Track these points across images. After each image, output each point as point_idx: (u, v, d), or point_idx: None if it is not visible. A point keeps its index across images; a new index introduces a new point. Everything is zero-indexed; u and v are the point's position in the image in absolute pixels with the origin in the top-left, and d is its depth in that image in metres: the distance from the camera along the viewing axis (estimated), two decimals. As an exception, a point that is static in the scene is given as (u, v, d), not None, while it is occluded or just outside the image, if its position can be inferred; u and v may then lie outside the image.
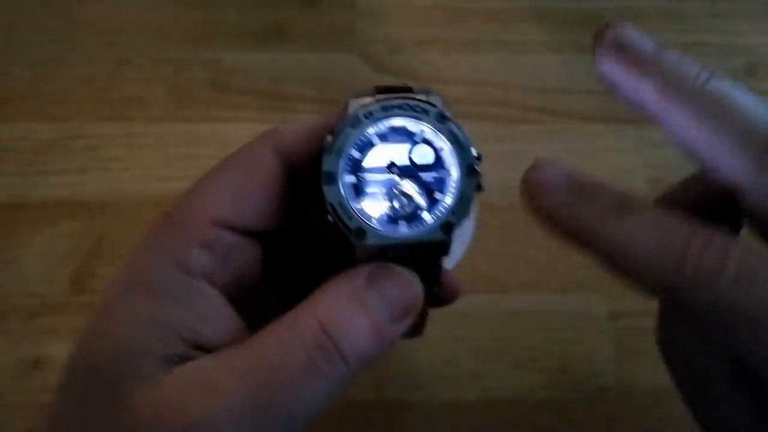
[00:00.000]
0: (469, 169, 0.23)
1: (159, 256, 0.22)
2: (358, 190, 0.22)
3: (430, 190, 0.23)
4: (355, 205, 0.22)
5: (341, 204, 0.22)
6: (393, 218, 0.22)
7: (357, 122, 0.22)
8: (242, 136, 0.43)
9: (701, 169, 0.22)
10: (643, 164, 0.44)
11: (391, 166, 0.23)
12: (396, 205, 0.22)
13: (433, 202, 0.23)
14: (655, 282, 0.20)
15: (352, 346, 0.20)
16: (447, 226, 0.22)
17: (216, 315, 0.22)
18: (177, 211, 0.24)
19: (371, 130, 0.23)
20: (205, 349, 0.21)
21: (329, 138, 0.22)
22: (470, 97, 0.45)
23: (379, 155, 0.23)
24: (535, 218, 0.23)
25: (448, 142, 0.23)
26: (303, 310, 0.21)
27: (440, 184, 0.23)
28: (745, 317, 0.18)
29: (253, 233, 0.24)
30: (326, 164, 0.22)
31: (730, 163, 0.20)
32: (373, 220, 0.22)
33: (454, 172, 0.23)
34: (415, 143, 0.23)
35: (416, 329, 0.25)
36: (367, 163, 0.23)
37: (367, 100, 0.23)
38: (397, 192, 0.23)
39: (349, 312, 0.21)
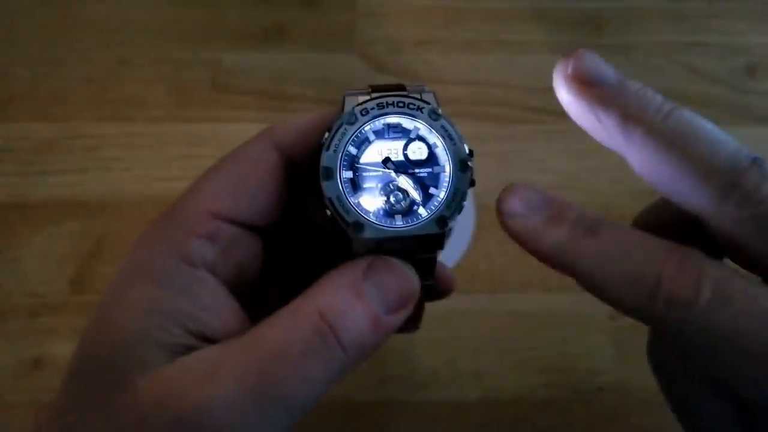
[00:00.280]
0: (462, 165, 0.23)
1: (162, 247, 0.23)
2: (355, 185, 0.23)
3: (424, 186, 0.23)
4: (352, 200, 0.23)
5: (339, 198, 0.23)
6: (389, 213, 0.23)
7: (353, 119, 0.23)
8: (242, 136, 0.43)
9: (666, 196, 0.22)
10: (643, 164, 0.44)
11: (387, 162, 0.24)
12: (392, 199, 0.23)
13: (427, 197, 0.23)
14: (630, 306, 0.20)
15: (350, 334, 0.21)
16: (441, 220, 0.23)
17: (219, 306, 0.23)
18: (179, 204, 0.25)
19: (367, 127, 0.24)
20: (209, 339, 0.22)
21: (327, 134, 0.23)
22: (470, 97, 0.45)
23: (375, 151, 0.24)
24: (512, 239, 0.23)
25: (441, 139, 0.24)
26: (303, 300, 0.22)
27: (434, 180, 0.24)
28: (725, 340, 0.19)
29: (253, 227, 0.25)
30: (324, 160, 0.23)
31: (694, 194, 0.20)
32: (370, 214, 0.23)
33: (447, 167, 0.24)
34: (409, 140, 0.24)
35: (412, 323, 0.25)
36: (363, 158, 0.23)
37: (363, 98, 0.24)
38: (392, 187, 0.23)
39: (347, 302, 0.21)
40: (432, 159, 0.24)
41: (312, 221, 0.27)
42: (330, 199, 0.22)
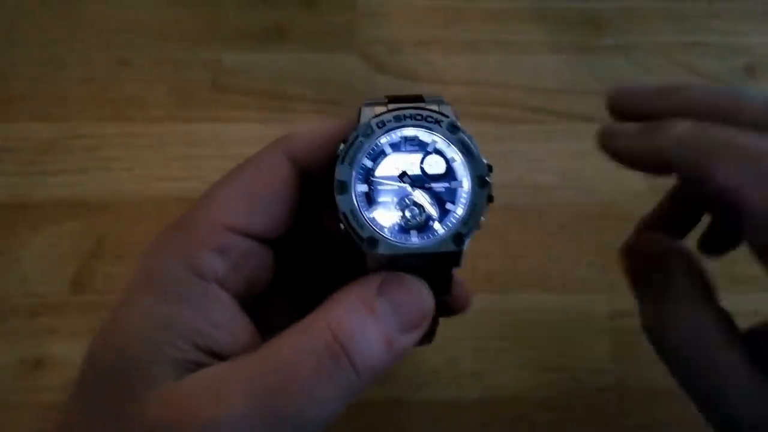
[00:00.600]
0: (481, 180, 0.23)
1: (172, 260, 0.23)
2: (371, 199, 0.23)
3: (441, 201, 0.23)
4: (367, 214, 0.22)
5: (353, 213, 0.22)
6: (405, 228, 0.22)
7: (370, 131, 0.23)
8: (242, 136, 0.44)
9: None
10: (643, 164, 0.44)
11: (403, 176, 0.23)
12: (408, 214, 0.23)
13: (444, 213, 0.23)
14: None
15: (363, 355, 0.20)
16: (458, 238, 0.22)
17: (229, 321, 0.22)
18: (190, 216, 0.24)
19: (384, 140, 0.23)
20: (218, 355, 0.22)
21: (342, 146, 0.23)
22: (470, 97, 0.45)
23: (392, 165, 0.23)
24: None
25: (459, 153, 0.23)
26: (315, 318, 0.21)
27: (452, 195, 0.23)
28: None
29: (265, 239, 0.24)
30: (339, 173, 0.22)
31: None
32: (385, 229, 0.22)
33: (465, 183, 0.23)
34: (427, 153, 0.23)
35: (426, 337, 0.25)
36: (379, 172, 0.23)
37: (380, 109, 0.23)
38: (408, 202, 0.23)
39: (360, 321, 0.21)
40: (449, 173, 0.23)
41: (325, 232, 0.27)
42: (344, 214, 0.22)
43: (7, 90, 0.44)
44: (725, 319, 0.23)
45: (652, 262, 0.25)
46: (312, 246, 0.27)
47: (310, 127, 0.25)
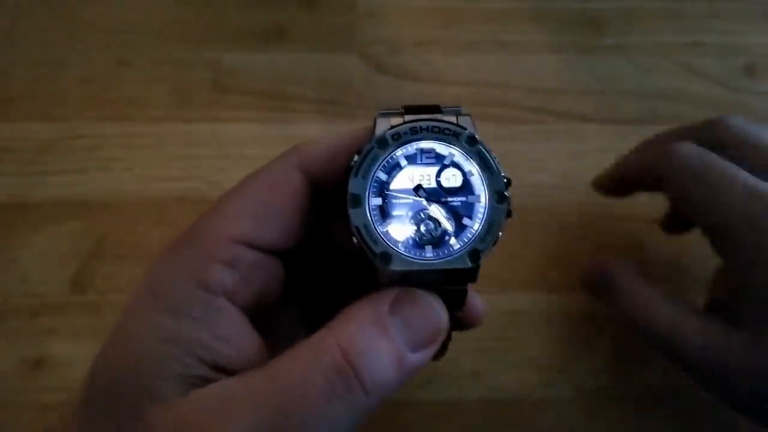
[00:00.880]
0: (499, 196, 0.22)
1: (179, 273, 0.22)
2: (384, 213, 0.22)
3: (458, 215, 0.22)
4: (380, 229, 0.22)
5: (366, 227, 0.21)
6: (419, 243, 0.22)
7: (385, 143, 0.22)
8: (242, 136, 0.43)
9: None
10: (643, 164, 0.44)
11: (419, 189, 0.22)
12: (423, 229, 0.22)
13: (460, 228, 0.22)
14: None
15: (373, 375, 0.20)
16: (474, 254, 0.22)
17: (236, 335, 0.22)
18: (197, 227, 0.23)
19: (399, 152, 0.22)
20: (225, 370, 0.21)
21: (356, 158, 0.22)
22: (470, 98, 0.45)
23: (407, 177, 0.22)
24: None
25: (477, 167, 0.22)
26: (325, 335, 0.21)
27: (468, 210, 0.22)
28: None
29: (275, 251, 0.24)
30: (352, 186, 0.22)
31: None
32: (399, 244, 0.22)
33: (482, 197, 0.22)
34: (443, 166, 0.23)
35: (438, 353, 0.24)
36: (394, 185, 0.22)
37: (396, 120, 0.23)
38: (424, 216, 0.22)
39: (371, 339, 0.20)
40: (466, 187, 0.22)
41: (337, 245, 0.26)
42: (357, 228, 0.21)
43: (7, 90, 0.44)
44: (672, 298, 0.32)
45: (601, 275, 0.35)
46: (324, 258, 0.27)
47: (323, 136, 0.24)
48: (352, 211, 0.21)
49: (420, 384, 0.38)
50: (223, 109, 0.44)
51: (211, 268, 0.22)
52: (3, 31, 0.46)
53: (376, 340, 0.20)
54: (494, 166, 0.22)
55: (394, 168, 0.22)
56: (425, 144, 0.23)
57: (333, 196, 0.23)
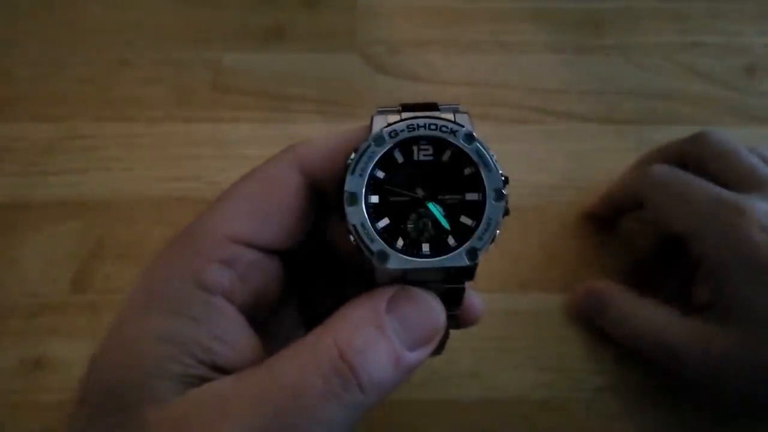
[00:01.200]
0: (497, 193, 0.22)
1: (177, 272, 0.22)
2: (381, 211, 0.22)
3: (455, 213, 0.22)
4: (377, 227, 0.21)
5: (363, 226, 0.21)
6: (416, 241, 0.22)
7: (381, 141, 0.22)
8: (242, 136, 0.44)
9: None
10: (643, 164, 0.44)
11: (416, 187, 0.22)
12: (420, 227, 0.22)
13: (458, 226, 0.22)
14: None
15: (370, 373, 0.20)
16: (472, 252, 0.22)
17: (233, 335, 0.22)
18: (195, 227, 0.23)
19: (396, 150, 0.22)
20: (222, 369, 0.21)
21: (353, 156, 0.22)
22: (470, 98, 0.45)
23: (404, 176, 0.22)
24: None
25: (475, 164, 0.22)
26: (322, 333, 0.21)
27: (466, 207, 0.22)
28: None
29: (273, 250, 0.24)
30: (349, 184, 0.21)
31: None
32: (395, 243, 0.21)
33: (480, 195, 0.22)
34: (441, 164, 0.22)
35: (435, 350, 0.24)
36: (390, 183, 0.22)
37: (393, 117, 0.22)
38: (421, 214, 0.22)
39: (368, 338, 0.20)
40: (464, 185, 0.22)
41: (335, 244, 0.26)
42: (354, 226, 0.21)
43: (7, 90, 0.44)
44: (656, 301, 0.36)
45: (592, 297, 0.39)
46: (322, 257, 0.27)
47: (320, 136, 0.24)
48: (348, 209, 0.21)
49: (419, 384, 0.38)
50: (223, 109, 0.44)
51: (209, 267, 0.22)
52: (3, 31, 0.46)
53: (374, 339, 0.20)
54: (492, 163, 0.22)
55: (390, 166, 0.22)
56: (422, 142, 0.22)
57: (332, 195, 0.23)
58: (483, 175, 0.22)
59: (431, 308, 0.22)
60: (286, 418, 0.19)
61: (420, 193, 0.22)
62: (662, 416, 0.38)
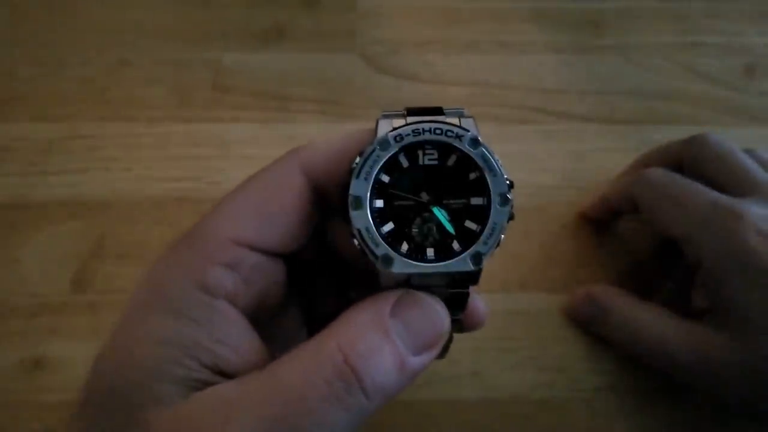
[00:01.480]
0: (502, 198, 0.22)
1: (180, 274, 0.22)
2: (386, 215, 0.22)
3: (460, 218, 0.22)
4: (382, 231, 0.21)
5: (368, 230, 0.21)
6: (421, 245, 0.22)
7: (386, 145, 0.22)
8: (243, 136, 0.43)
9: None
10: (643, 164, 0.44)
11: (421, 191, 0.22)
12: (424, 231, 0.22)
13: (462, 231, 0.22)
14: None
15: (374, 378, 0.20)
16: (477, 257, 0.21)
17: (237, 338, 0.22)
18: (199, 229, 0.23)
19: (401, 154, 0.22)
20: (225, 373, 0.21)
21: (358, 160, 0.22)
22: (470, 98, 0.45)
23: (409, 180, 0.22)
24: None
25: (480, 169, 0.22)
26: (326, 337, 0.21)
27: (471, 212, 0.22)
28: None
29: (277, 253, 0.24)
30: (354, 188, 0.21)
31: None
32: (400, 247, 0.21)
33: (485, 200, 0.22)
34: (446, 168, 0.22)
35: (439, 354, 0.24)
36: (395, 187, 0.22)
37: (398, 122, 0.22)
38: (425, 218, 0.22)
39: (372, 342, 0.20)
40: (469, 190, 0.22)
41: (339, 247, 0.26)
42: (358, 230, 0.21)
43: (7, 90, 0.44)
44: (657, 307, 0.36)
45: (591, 303, 0.39)
46: (325, 260, 0.27)
47: (323, 139, 0.24)
48: (353, 213, 0.21)
49: (420, 384, 0.38)
50: (223, 109, 0.44)
51: (212, 269, 0.22)
52: (3, 31, 0.46)
53: (378, 343, 0.20)
54: (497, 168, 0.22)
55: (395, 170, 0.22)
56: (428, 146, 0.22)
57: (336, 199, 0.23)
58: (488, 180, 0.22)
59: (435, 313, 0.22)
60: (290, 423, 0.19)
61: (425, 197, 0.22)
62: (662, 416, 0.38)
